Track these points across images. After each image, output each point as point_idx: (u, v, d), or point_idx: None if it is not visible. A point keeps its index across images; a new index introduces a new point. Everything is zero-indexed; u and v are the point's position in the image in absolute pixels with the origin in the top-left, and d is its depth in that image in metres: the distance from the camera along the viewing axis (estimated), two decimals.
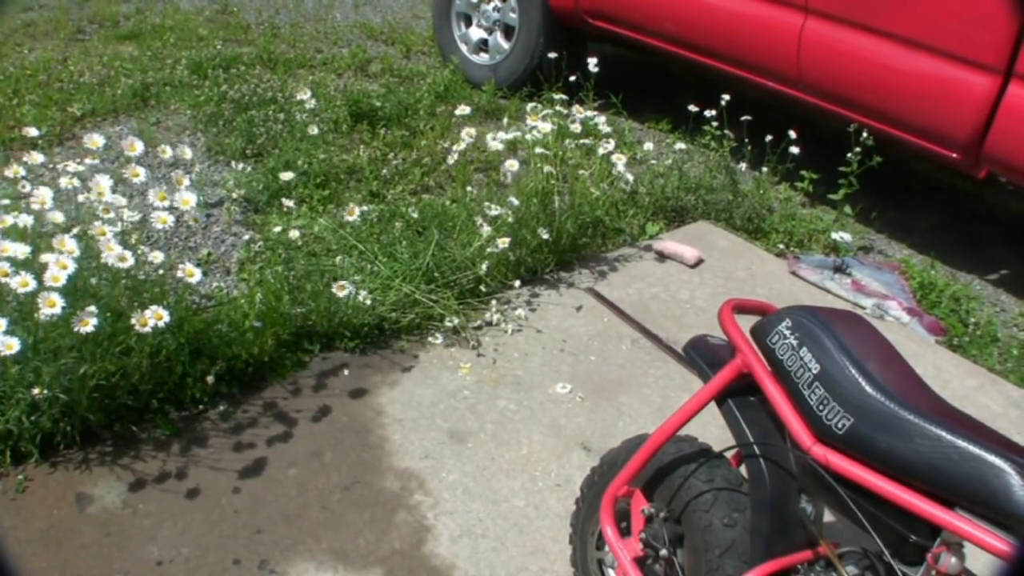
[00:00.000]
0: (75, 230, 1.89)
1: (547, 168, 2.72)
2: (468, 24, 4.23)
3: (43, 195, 1.90)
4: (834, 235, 3.14)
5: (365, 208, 2.67)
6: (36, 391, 1.73)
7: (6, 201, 2.03)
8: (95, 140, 1.99)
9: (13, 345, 1.66)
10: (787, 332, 1.17)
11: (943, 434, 0.99)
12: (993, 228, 3.53)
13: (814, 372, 1.11)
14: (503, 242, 2.50)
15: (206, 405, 2.05)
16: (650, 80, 4.62)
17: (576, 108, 3.06)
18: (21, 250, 1.73)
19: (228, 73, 3.91)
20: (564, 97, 3.20)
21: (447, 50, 4.31)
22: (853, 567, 1.14)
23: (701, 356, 1.37)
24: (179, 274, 1.93)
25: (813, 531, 1.22)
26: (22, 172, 1.97)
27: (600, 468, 1.55)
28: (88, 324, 1.72)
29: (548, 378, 2.29)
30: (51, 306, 1.68)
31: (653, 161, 3.37)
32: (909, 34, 2.79)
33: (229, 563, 1.69)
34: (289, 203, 2.63)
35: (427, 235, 2.57)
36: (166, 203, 1.93)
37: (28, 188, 1.96)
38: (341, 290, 2.21)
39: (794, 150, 3.18)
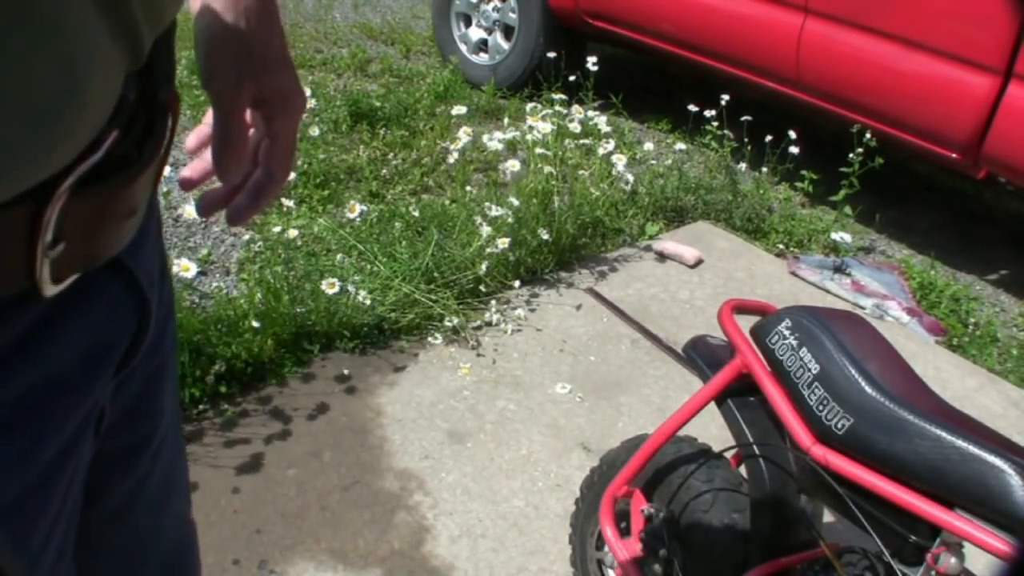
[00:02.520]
0: None
1: (547, 168, 2.72)
2: (468, 24, 4.23)
3: None
4: (834, 235, 3.14)
5: (365, 208, 2.67)
6: None
7: None
8: None
9: None
10: (787, 332, 1.17)
11: (943, 434, 0.99)
12: (993, 228, 3.53)
13: (814, 372, 1.11)
14: (503, 242, 2.50)
15: (205, 405, 2.05)
16: (650, 80, 4.62)
17: (576, 108, 3.06)
18: None
19: None
20: (564, 97, 3.20)
21: (446, 50, 4.31)
22: (852, 567, 1.14)
23: (701, 356, 1.37)
24: (175, 269, 1.93)
25: (812, 531, 1.22)
26: None
27: (599, 468, 1.55)
28: None
29: (548, 378, 2.29)
30: None
31: (653, 161, 3.37)
32: (908, 34, 2.79)
33: (228, 563, 1.69)
34: (288, 203, 2.62)
35: (427, 235, 2.57)
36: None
37: None
38: (331, 287, 2.21)
39: (794, 150, 3.18)
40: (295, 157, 0.72)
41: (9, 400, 0.47)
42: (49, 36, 0.40)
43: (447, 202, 2.92)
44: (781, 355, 1.16)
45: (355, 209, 2.46)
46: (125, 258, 0.56)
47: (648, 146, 3.30)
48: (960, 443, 0.98)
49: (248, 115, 0.67)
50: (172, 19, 0.55)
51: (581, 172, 2.89)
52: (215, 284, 2.48)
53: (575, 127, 2.94)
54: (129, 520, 0.75)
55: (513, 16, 3.98)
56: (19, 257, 0.43)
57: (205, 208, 0.71)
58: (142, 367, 0.65)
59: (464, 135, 2.77)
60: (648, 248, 2.95)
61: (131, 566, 0.79)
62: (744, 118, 3.19)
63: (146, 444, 0.72)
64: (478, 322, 2.46)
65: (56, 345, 0.50)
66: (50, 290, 0.47)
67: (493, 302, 2.51)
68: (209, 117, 0.67)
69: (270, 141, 0.70)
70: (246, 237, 2.75)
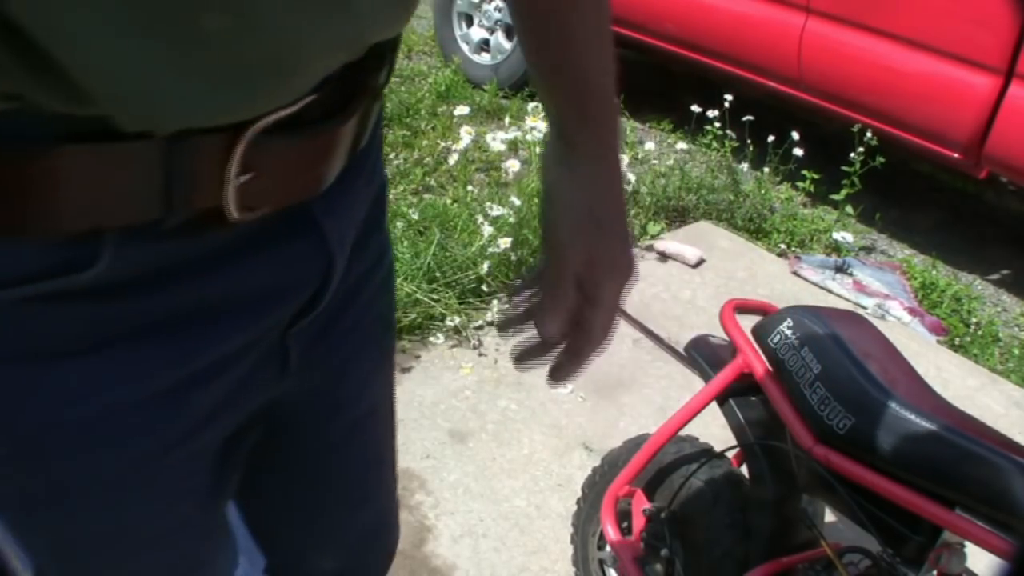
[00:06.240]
0: None
1: None
2: (469, 24, 4.23)
3: None
4: (835, 235, 3.13)
5: None
6: None
7: None
8: None
9: None
10: (788, 332, 1.17)
11: (944, 434, 0.99)
12: (994, 228, 3.53)
13: (815, 372, 1.11)
14: (504, 242, 2.51)
15: None
16: (651, 80, 4.62)
17: None
18: None
19: None
20: None
21: (448, 50, 4.31)
22: (854, 567, 1.14)
23: (702, 356, 1.37)
24: None
25: (814, 531, 1.22)
26: None
27: (601, 468, 1.55)
28: None
29: None
30: None
31: (654, 161, 3.37)
32: (910, 34, 2.79)
33: None
34: None
35: (428, 235, 2.57)
36: None
37: None
38: None
39: (796, 151, 3.18)
40: (616, 323, 0.74)
41: (189, 302, 0.55)
42: (282, 32, 0.48)
43: (449, 202, 2.93)
44: (783, 355, 1.16)
45: None
46: (320, 216, 0.60)
47: (650, 146, 3.30)
48: (961, 443, 0.98)
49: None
50: (397, 32, 0.60)
51: None
52: None
53: None
54: (324, 470, 0.83)
55: None
56: (212, 177, 0.50)
57: (520, 358, 0.75)
58: (344, 334, 0.71)
59: (465, 134, 2.78)
60: (650, 248, 2.95)
61: (331, 525, 0.88)
62: (746, 118, 3.19)
63: (348, 404, 0.79)
64: (480, 322, 2.46)
65: (241, 271, 0.57)
66: (236, 214, 0.52)
67: (495, 302, 2.51)
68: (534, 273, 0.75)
69: (591, 306, 0.72)
70: None
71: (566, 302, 0.70)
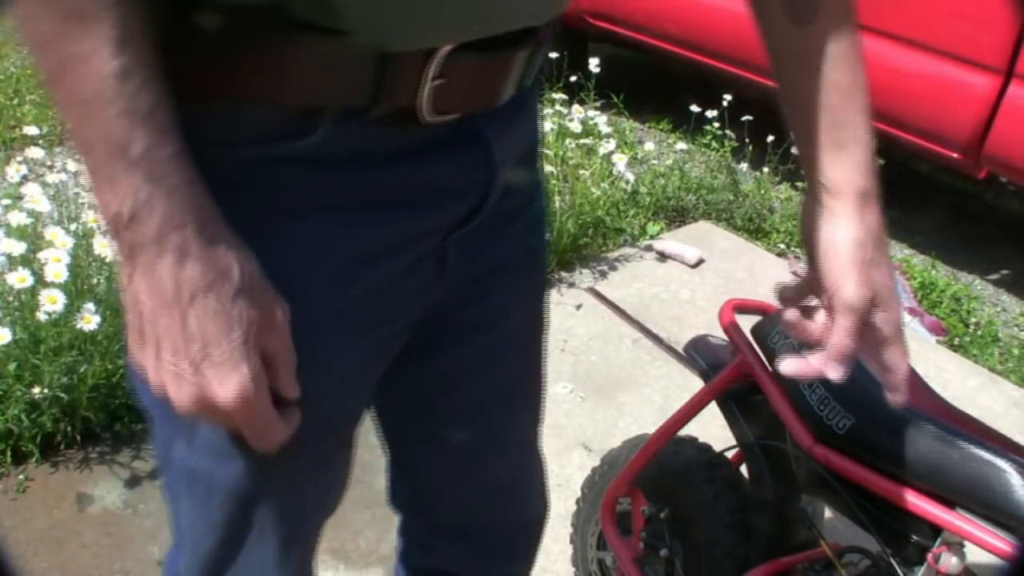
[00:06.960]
0: (73, 227, 1.89)
1: (547, 168, 2.72)
2: None
3: (34, 192, 1.89)
4: None
5: None
6: (36, 390, 1.73)
7: (7, 200, 2.03)
8: None
9: (5, 336, 1.67)
10: (788, 332, 1.17)
11: (944, 434, 0.99)
12: (994, 228, 3.53)
13: None
14: None
15: None
16: (651, 80, 4.62)
17: (576, 108, 3.06)
18: (17, 247, 1.73)
19: None
20: (565, 97, 3.20)
21: None
22: (853, 567, 1.14)
23: (702, 356, 1.36)
24: None
25: (814, 531, 1.22)
26: (24, 170, 1.98)
27: (601, 468, 1.55)
28: (90, 321, 1.72)
29: (549, 378, 2.26)
30: (52, 302, 1.67)
31: (654, 161, 3.37)
32: (909, 34, 2.79)
33: None
34: None
35: None
36: None
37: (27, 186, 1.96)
38: None
39: (795, 150, 3.17)
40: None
41: (378, 185, 0.66)
42: None
43: None
44: (782, 354, 1.16)
45: None
46: (488, 136, 0.71)
47: (649, 146, 3.30)
48: (961, 443, 0.98)
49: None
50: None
51: (582, 172, 2.89)
52: None
53: (576, 127, 2.94)
54: (462, 400, 0.89)
55: None
56: (412, 78, 0.62)
57: (787, 367, 0.81)
58: (494, 253, 0.80)
59: None
60: (649, 248, 2.95)
61: (454, 465, 0.93)
62: (745, 118, 3.19)
63: (487, 327, 0.85)
64: None
65: (424, 166, 0.67)
66: (427, 116, 0.64)
67: None
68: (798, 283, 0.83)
69: (873, 335, 0.79)
70: None
71: (855, 341, 0.76)
